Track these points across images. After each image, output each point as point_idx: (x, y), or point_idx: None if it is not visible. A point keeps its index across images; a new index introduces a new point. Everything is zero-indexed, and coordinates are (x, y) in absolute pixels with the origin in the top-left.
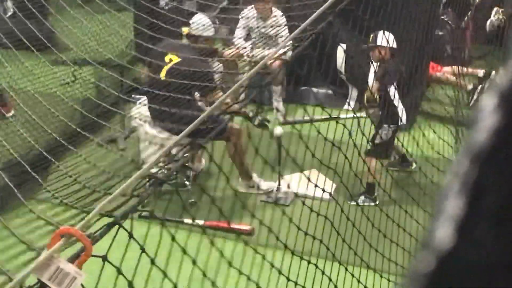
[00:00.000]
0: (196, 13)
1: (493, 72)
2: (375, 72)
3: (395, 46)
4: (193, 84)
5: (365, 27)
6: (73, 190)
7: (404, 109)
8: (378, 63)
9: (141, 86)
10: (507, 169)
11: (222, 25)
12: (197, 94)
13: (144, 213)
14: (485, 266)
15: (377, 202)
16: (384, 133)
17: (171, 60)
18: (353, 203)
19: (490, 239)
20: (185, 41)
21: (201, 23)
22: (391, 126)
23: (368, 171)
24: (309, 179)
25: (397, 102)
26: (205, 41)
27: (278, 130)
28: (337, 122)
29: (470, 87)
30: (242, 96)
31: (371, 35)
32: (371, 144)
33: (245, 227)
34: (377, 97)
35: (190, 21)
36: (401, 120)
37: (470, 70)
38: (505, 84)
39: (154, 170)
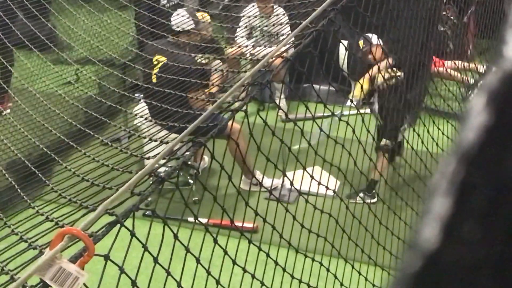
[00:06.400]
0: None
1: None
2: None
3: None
4: (184, 81)
5: (367, 24)
6: (80, 188)
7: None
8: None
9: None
10: (495, 168)
11: (221, 22)
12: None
13: (147, 212)
14: (471, 265)
15: (376, 199)
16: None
17: (158, 61)
18: (358, 200)
19: (477, 238)
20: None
21: (178, 17)
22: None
23: (375, 168)
24: (312, 177)
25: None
26: (187, 35)
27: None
28: (339, 119)
29: (472, 81)
30: (243, 94)
31: (362, 40)
32: (392, 142)
33: (248, 224)
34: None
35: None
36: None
37: (471, 65)
38: (494, 83)
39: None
